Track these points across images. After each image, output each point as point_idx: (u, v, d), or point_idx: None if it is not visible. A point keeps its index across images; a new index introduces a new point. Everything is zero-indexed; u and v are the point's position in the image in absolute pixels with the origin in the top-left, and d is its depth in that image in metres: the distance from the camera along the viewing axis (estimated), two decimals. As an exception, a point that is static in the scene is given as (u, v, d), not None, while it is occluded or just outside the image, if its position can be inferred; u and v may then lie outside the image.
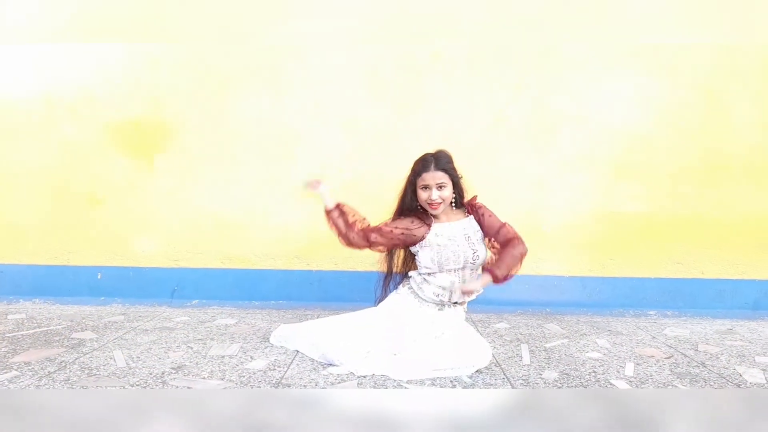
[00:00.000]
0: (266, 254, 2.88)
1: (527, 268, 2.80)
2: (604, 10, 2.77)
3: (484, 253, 2.01)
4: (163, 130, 2.85)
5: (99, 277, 2.88)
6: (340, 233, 2.05)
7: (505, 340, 2.23)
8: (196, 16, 2.83)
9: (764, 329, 2.48)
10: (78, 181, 2.88)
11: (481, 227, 2.02)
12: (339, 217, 2.05)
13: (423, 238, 1.98)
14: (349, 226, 2.04)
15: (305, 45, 2.81)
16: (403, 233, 1.99)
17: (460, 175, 2.01)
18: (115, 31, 2.84)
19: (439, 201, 1.94)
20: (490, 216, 2.03)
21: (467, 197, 2.07)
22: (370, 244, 2.04)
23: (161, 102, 2.85)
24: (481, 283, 1.89)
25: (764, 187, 2.79)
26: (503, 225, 2.00)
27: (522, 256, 1.93)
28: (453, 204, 2.02)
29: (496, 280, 1.88)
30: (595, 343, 2.20)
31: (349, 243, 2.05)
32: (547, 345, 2.15)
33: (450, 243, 1.95)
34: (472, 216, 2.05)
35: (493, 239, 2.02)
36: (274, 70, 2.83)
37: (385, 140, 2.82)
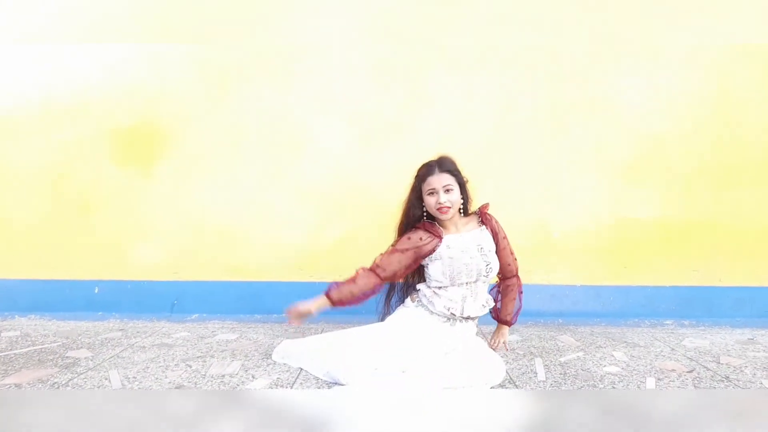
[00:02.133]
0: (268, 266, 2.79)
1: (538, 278, 2.73)
2: (615, 10, 2.70)
3: (497, 265, 1.92)
4: (162, 135, 2.78)
5: (96, 291, 2.80)
6: (357, 299, 1.90)
7: (518, 354, 2.13)
8: (199, 15, 2.77)
9: (787, 339, 2.38)
10: (74, 191, 2.80)
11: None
12: (342, 298, 1.87)
13: (433, 251, 1.88)
14: (354, 283, 1.89)
15: (311, 43, 2.75)
16: (414, 253, 1.89)
17: (465, 180, 1.93)
18: (117, 31, 2.78)
19: (449, 205, 1.84)
20: (504, 238, 1.98)
21: (472, 204, 1.98)
22: (382, 280, 1.91)
23: (162, 105, 2.79)
24: (507, 335, 2.11)
25: (782, 192, 2.70)
26: (513, 257, 2.01)
27: (521, 294, 2.08)
28: (461, 211, 1.93)
29: (510, 326, 2.09)
30: (612, 356, 2.10)
31: (368, 295, 1.92)
32: (562, 359, 2.06)
33: (462, 255, 1.86)
34: (485, 226, 1.96)
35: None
36: (280, 69, 2.77)
37: (392, 138, 2.75)
